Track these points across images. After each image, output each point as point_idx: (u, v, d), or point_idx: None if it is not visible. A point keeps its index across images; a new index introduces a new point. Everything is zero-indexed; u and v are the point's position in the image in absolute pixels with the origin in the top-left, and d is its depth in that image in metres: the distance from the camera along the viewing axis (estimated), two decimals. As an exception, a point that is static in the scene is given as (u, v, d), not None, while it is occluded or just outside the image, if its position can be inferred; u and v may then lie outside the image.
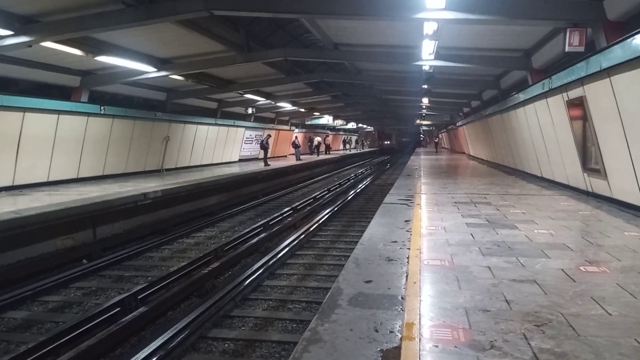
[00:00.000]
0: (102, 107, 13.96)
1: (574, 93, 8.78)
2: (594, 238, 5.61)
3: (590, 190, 9.15)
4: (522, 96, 12.43)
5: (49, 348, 4.84)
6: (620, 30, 7.35)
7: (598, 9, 7.64)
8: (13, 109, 11.15)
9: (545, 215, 7.43)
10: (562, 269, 4.39)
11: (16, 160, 11.65)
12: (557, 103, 9.90)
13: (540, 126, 11.62)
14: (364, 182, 22.41)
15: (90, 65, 12.83)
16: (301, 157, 28.49)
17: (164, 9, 8.45)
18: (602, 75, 7.27)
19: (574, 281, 4.04)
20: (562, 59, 10.71)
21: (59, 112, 12.46)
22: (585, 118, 8.50)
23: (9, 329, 5.77)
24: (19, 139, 11.53)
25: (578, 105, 8.82)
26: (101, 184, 13.29)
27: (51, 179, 12.89)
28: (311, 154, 34.79)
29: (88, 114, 13.54)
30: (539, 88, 10.63)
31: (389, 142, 64.65)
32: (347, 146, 57.24)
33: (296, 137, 30.47)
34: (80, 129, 13.44)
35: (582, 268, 4.42)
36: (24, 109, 11.42)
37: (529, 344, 2.84)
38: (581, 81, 8.21)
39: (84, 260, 8.59)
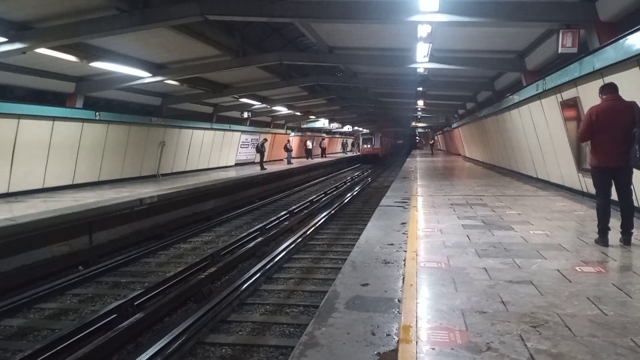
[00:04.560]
0: (97, 113, 13.92)
1: (568, 94, 8.83)
2: (590, 238, 5.63)
3: (585, 190, 9.18)
4: (516, 97, 12.49)
5: (45, 356, 4.82)
6: (613, 31, 7.40)
7: (590, 10, 7.68)
8: (8, 115, 11.10)
9: (540, 216, 7.46)
10: (558, 270, 4.40)
11: (11, 167, 11.59)
12: (551, 104, 9.94)
13: (535, 127, 11.67)
14: (360, 185, 22.44)
15: (85, 71, 12.78)
16: (292, 161, 28.33)
17: (158, 14, 8.43)
18: (595, 76, 7.31)
19: (570, 282, 4.06)
20: (556, 60, 10.78)
21: (54, 118, 12.41)
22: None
23: (5, 336, 5.74)
24: (14, 146, 11.47)
25: (572, 106, 8.87)
26: (97, 190, 13.23)
27: (47, 185, 12.82)
28: (306, 158, 34.68)
29: (83, 120, 13.49)
30: (533, 89, 10.68)
31: (369, 146, 43.49)
32: (345, 149, 57.20)
33: (288, 140, 30.40)
34: (76, 135, 13.39)
35: (577, 268, 4.44)
36: (19, 116, 11.37)
37: (526, 345, 2.85)
38: (574, 82, 8.26)
39: (80, 266, 8.55)
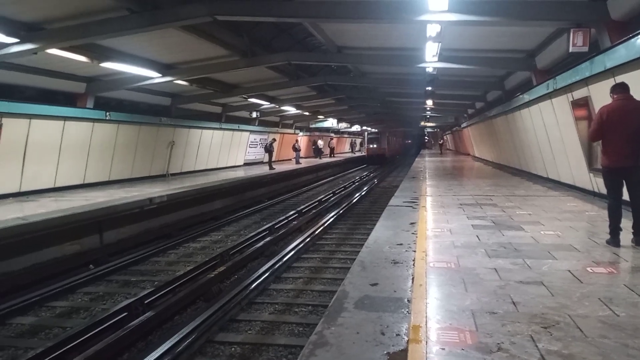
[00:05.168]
0: (107, 113, 14.03)
1: (579, 93, 8.76)
2: (601, 239, 5.58)
3: (596, 190, 9.10)
4: (526, 97, 12.41)
5: (56, 353, 4.87)
6: (624, 30, 7.32)
7: (601, 9, 7.61)
8: (19, 115, 11.22)
9: (551, 216, 7.41)
10: (569, 270, 4.37)
11: (23, 167, 11.72)
12: (561, 103, 9.87)
13: (546, 127, 11.58)
14: (369, 185, 22.41)
15: (95, 72, 12.88)
16: (300, 161, 28.34)
17: (167, 15, 8.48)
18: (606, 75, 7.25)
19: (581, 282, 4.03)
20: (566, 60, 10.68)
21: (64, 118, 12.53)
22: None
23: (16, 334, 5.81)
24: (26, 146, 11.60)
25: (583, 105, 8.80)
26: (107, 189, 13.34)
27: (57, 185, 12.95)
28: (315, 157, 34.68)
29: (94, 120, 13.62)
30: (544, 89, 10.61)
31: (375, 146, 42.17)
32: (353, 148, 57.09)
33: (297, 140, 30.44)
34: (86, 135, 13.52)
35: (589, 269, 4.41)
36: (30, 116, 11.49)
37: (536, 345, 2.83)
38: (585, 81, 8.20)
39: (91, 265, 8.63)
